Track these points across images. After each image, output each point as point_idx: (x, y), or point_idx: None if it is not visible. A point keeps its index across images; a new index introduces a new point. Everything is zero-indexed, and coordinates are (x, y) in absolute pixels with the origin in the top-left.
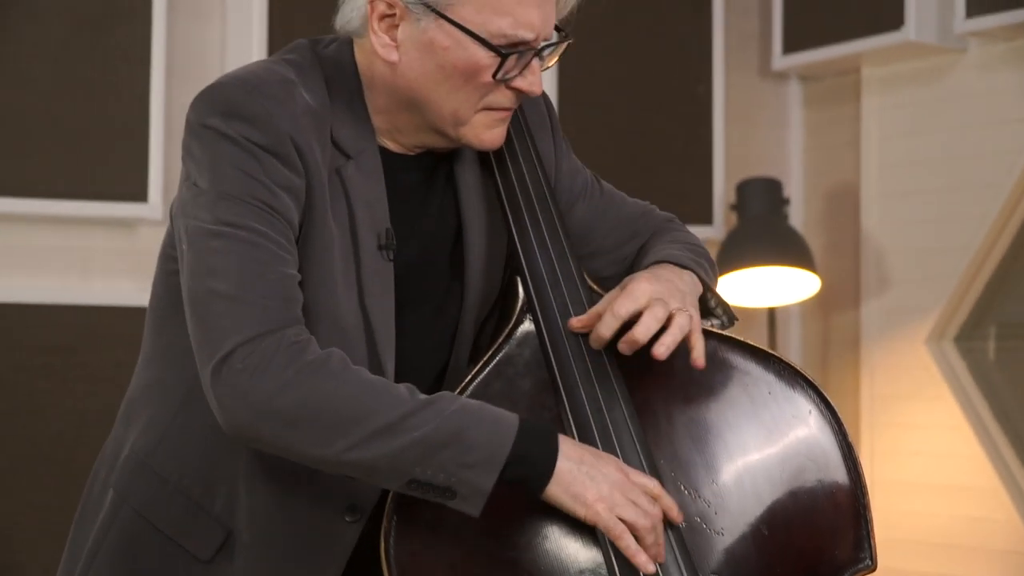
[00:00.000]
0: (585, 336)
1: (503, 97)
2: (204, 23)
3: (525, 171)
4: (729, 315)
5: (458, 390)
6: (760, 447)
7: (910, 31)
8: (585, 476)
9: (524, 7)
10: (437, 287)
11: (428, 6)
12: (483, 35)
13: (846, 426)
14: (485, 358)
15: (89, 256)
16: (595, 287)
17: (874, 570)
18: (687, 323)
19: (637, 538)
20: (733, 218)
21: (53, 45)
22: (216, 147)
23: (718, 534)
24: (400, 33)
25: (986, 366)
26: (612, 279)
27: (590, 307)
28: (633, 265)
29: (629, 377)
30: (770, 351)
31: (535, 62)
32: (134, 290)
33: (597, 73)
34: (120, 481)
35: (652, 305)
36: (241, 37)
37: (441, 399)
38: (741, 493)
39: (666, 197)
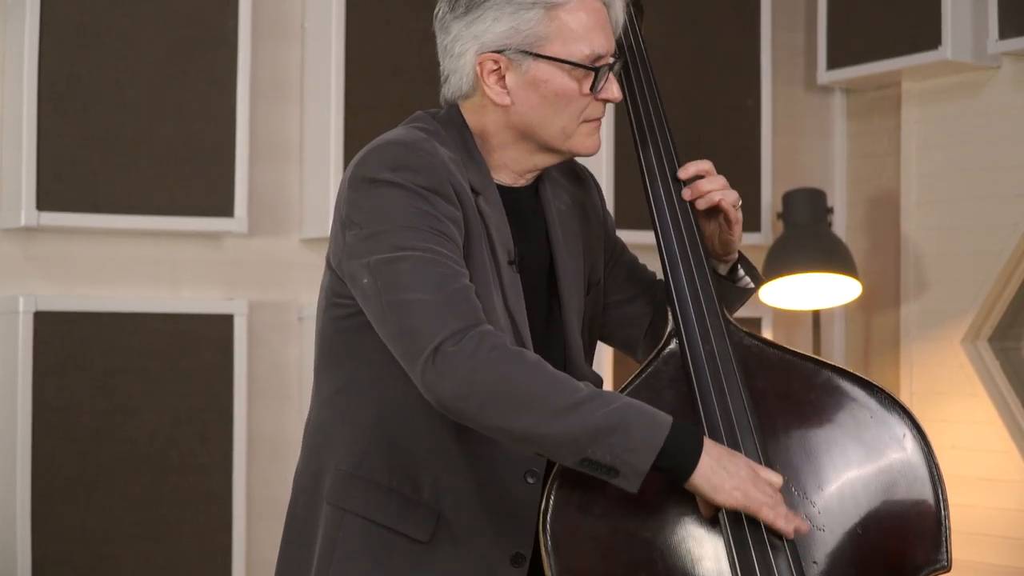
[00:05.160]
0: (721, 358)
1: (595, 109)
2: (286, 48)
3: (682, 225)
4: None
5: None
6: (860, 461)
7: (947, 50)
8: (723, 470)
9: (593, 32)
10: (539, 295)
11: (526, 52)
12: (574, 60)
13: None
14: (637, 371)
15: (179, 267)
16: (729, 318)
17: (948, 571)
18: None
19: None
20: (780, 226)
21: (147, 70)
22: (389, 193)
23: (820, 530)
24: (508, 80)
25: (1019, 365)
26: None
27: (726, 335)
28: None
29: (755, 395)
30: (874, 382)
31: (611, 75)
32: (220, 298)
33: None
34: (336, 495)
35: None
36: (320, 61)
37: (610, 393)
38: (841, 498)
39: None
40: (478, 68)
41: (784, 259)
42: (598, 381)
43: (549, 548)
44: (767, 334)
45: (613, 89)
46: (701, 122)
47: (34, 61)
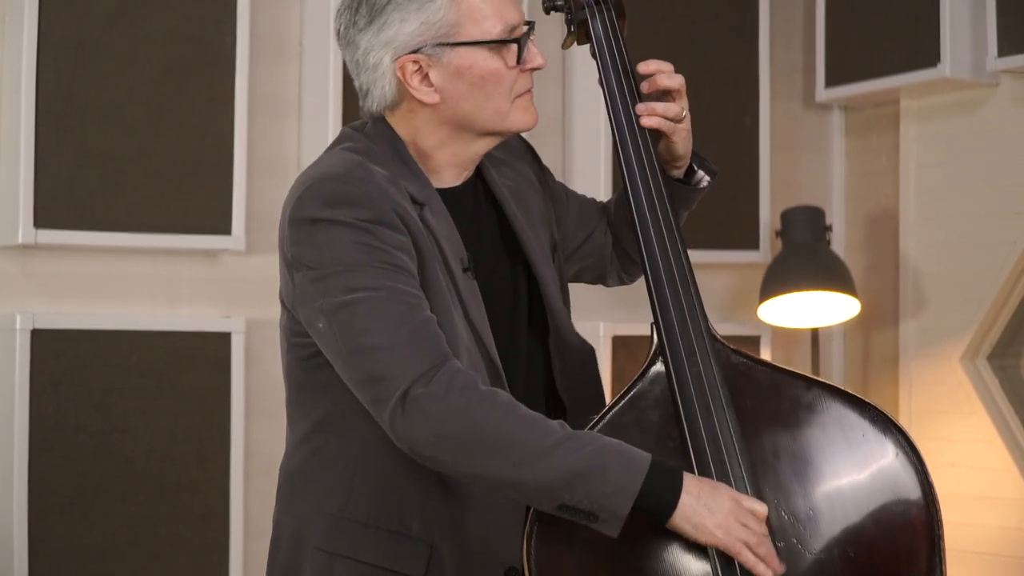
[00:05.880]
0: (707, 379)
1: (524, 81)
2: (284, 66)
3: (669, 247)
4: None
5: (596, 418)
6: (852, 482)
7: (946, 68)
8: (703, 508)
9: (501, 5)
10: (506, 292)
11: (442, 44)
12: (491, 38)
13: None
14: (622, 392)
15: (176, 285)
16: (717, 336)
17: None
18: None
19: (758, 550)
20: (778, 244)
21: (144, 88)
22: (332, 233)
23: (810, 554)
24: (433, 77)
25: (1018, 383)
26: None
27: (712, 354)
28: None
29: (742, 416)
30: (866, 400)
31: (531, 43)
32: (217, 316)
33: None
34: (324, 541)
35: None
36: (318, 79)
37: (586, 434)
38: (833, 520)
39: (714, 224)
40: (399, 73)
41: (783, 277)
42: (589, 350)
43: (533, 574)
44: (765, 352)
45: (536, 57)
46: (699, 139)
47: (32, 78)
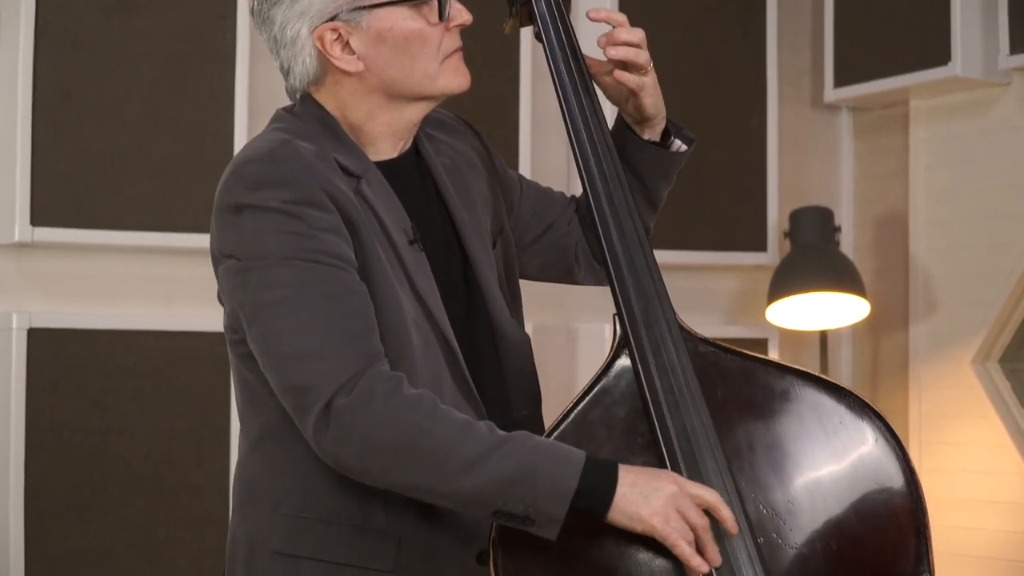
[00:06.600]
0: (676, 370)
1: (451, 40)
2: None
3: (623, 224)
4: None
5: (559, 416)
6: (831, 471)
7: (956, 67)
8: (639, 496)
9: None
10: (452, 266)
11: (359, 8)
12: None
13: None
14: (586, 388)
15: (175, 284)
16: (684, 325)
17: None
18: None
19: (698, 540)
20: (786, 245)
21: (143, 85)
22: (255, 221)
23: (791, 548)
24: (354, 44)
25: None
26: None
27: (679, 344)
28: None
29: (714, 408)
30: (842, 385)
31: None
32: (216, 316)
33: None
34: (287, 545)
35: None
36: None
37: (516, 438)
38: (813, 512)
39: (721, 225)
40: (318, 44)
41: (791, 278)
42: (524, 340)
43: None
44: (773, 355)
45: (462, 12)
46: (706, 141)
47: (28, 75)
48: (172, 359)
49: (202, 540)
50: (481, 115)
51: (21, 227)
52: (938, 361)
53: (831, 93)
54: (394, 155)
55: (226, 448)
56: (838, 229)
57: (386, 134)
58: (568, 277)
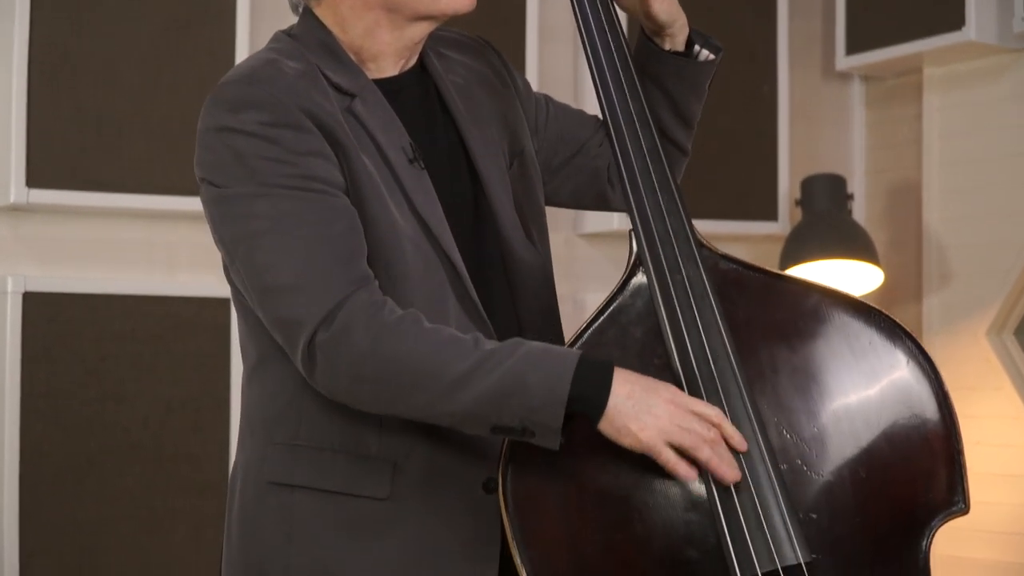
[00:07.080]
0: (694, 288)
1: None
2: (285, 24)
3: (640, 135)
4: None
5: (573, 336)
6: (860, 395)
7: (971, 31)
8: (631, 410)
9: None
10: (461, 186)
11: None
12: None
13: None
14: (601, 307)
15: (174, 249)
16: (705, 242)
17: (966, 513)
18: None
19: (696, 459)
20: (798, 214)
21: (141, 45)
22: (234, 146)
23: (817, 476)
24: None
25: None
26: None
27: (699, 260)
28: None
29: (736, 328)
30: (871, 304)
31: None
32: (217, 282)
33: None
34: (279, 473)
35: None
36: None
37: (503, 349)
38: (840, 438)
39: (733, 193)
40: None
41: (803, 246)
42: (539, 263)
43: (511, 512)
44: None
45: None
46: (717, 109)
47: (25, 33)
48: (171, 325)
49: (201, 509)
50: (487, 24)
51: (16, 189)
52: (952, 333)
53: (843, 60)
54: (395, 73)
55: (226, 416)
56: (851, 196)
57: (387, 52)
58: (602, 202)
